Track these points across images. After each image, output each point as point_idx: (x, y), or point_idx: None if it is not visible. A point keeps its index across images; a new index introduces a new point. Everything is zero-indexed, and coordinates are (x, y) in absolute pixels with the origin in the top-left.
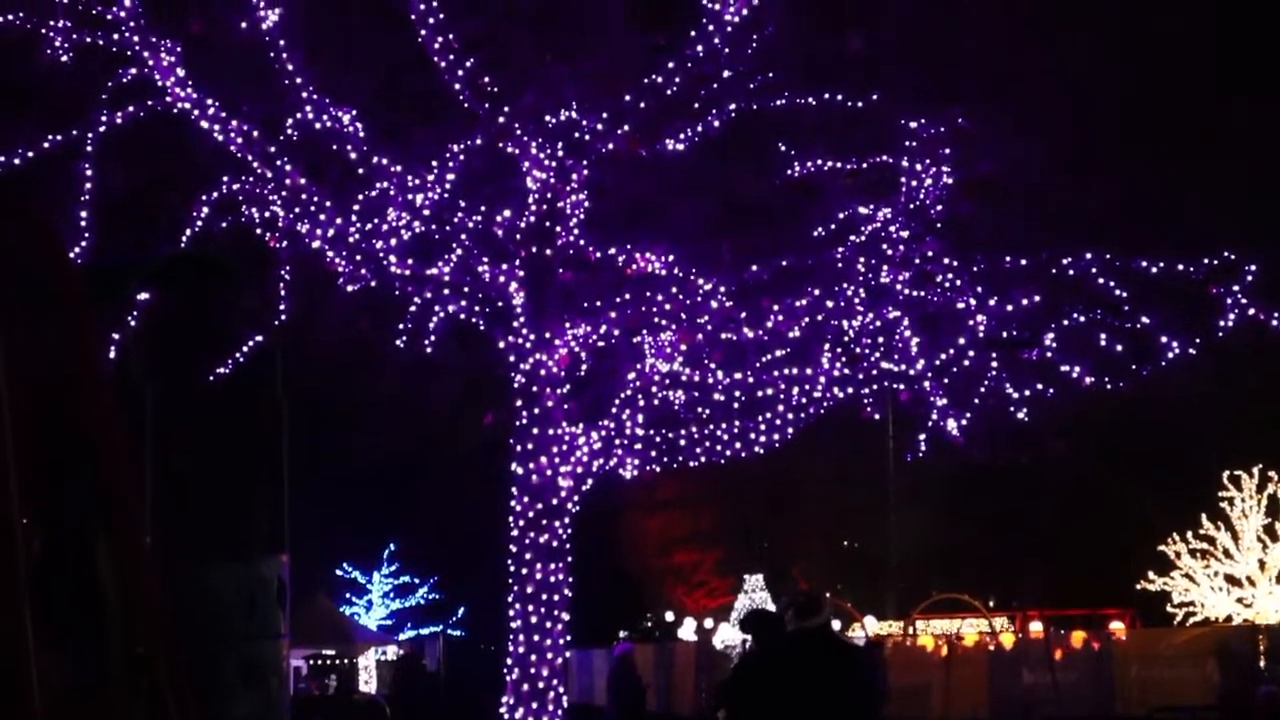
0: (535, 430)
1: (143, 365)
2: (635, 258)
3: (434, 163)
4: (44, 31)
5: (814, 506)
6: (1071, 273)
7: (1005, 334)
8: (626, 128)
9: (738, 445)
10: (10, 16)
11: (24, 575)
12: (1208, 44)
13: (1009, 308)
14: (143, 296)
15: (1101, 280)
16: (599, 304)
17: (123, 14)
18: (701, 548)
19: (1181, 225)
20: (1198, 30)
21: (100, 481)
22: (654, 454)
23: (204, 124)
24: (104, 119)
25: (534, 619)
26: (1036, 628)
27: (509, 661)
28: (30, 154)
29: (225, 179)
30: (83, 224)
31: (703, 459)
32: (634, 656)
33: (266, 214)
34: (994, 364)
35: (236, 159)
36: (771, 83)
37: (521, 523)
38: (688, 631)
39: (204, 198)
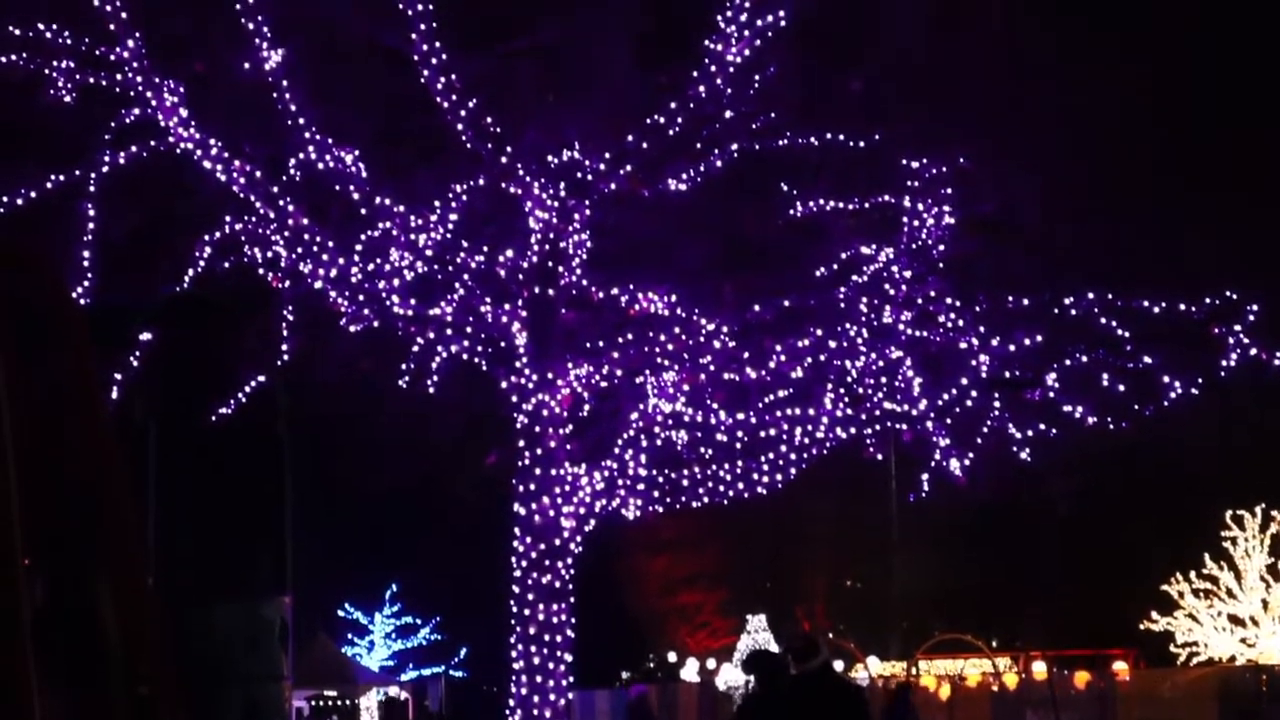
0: (538, 470)
1: (145, 406)
2: (638, 297)
3: (436, 203)
4: (47, 72)
5: (817, 547)
6: (1074, 312)
7: (1007, 374)
8: (629, 167)
9: (740, 486)
10: (14, 57)
11: (26, 616)
12: (1209, 83)
13: (1011, 348)
14: (145, 337)
15: (1104, 320)
16: (601, 344)
17: (126, 54)
18: (704, 588)
19: (1183, 265)
20: (1199, 70)
21: (102, 522)
22: (657, 494)
23: (206, 164)
24: (107, 159)
25: (536, 659)
26: (1039, 668)
27: (511, 702)
28: (33, 194)
29: (228, 219)
30: (85, 264)
31: (705, 499)
32: (650, 698)
33: (269, 254)
34: (996, 404)
35: (239, 199)
36: (773, 123)
37: (524, 563)
38: (691, 672)
39: (206, 238)
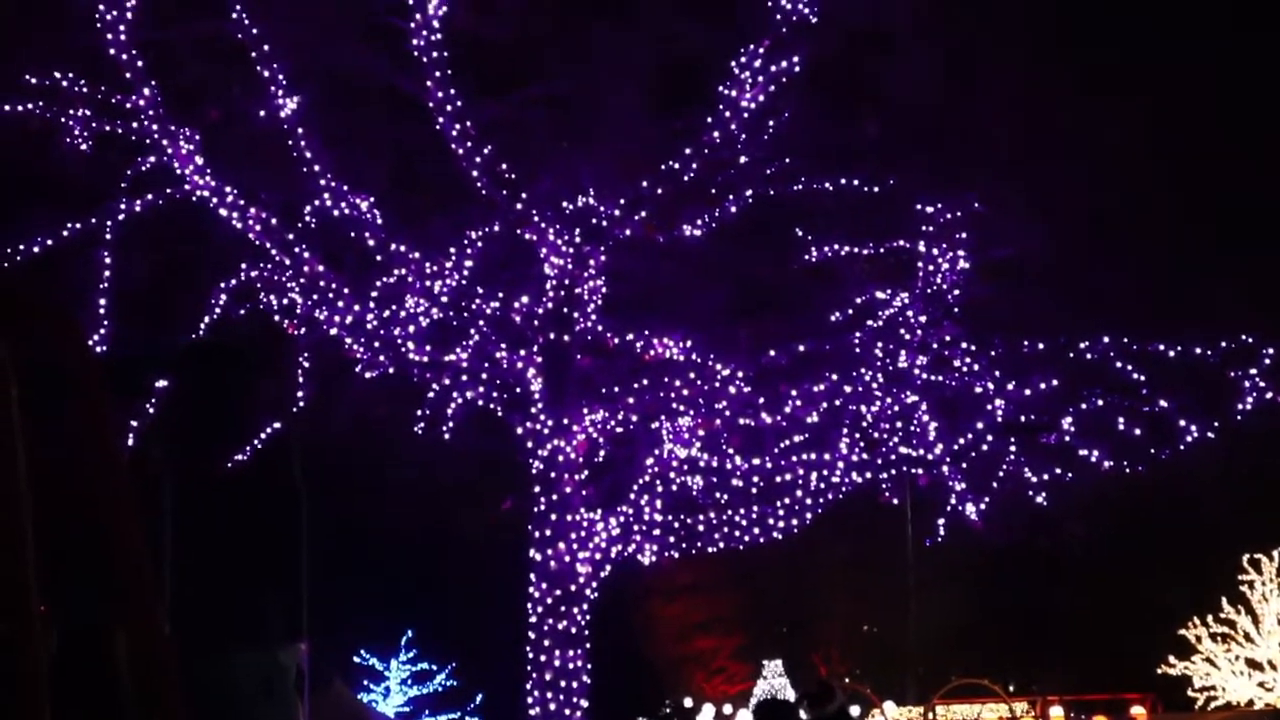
0: (553, 516)
1: (161, 454)
2: (653, 343)
3: (452, 249)
4: (64, 120)
5: (832, 591)
6: (1089, 357)
7: (1023, 418)
8: (644, 213)
9: (756, 531)
10: (31, 106)
11: (43, 665)
12: (1226, 127)
13: (1027, 392)
14: (161, 384)
15: (1119, 364)
16: (617, 390)
17: (141, 103)
18: (720, 633)
19: (1199, 309)
20: (1217, 114)
21: (118, 569)
22: (672, 540)
23: (222, 211)
24: (123, 206)
25: (552, 706)
26: (1057, 713)
27: None
28: (50, 241)
29: (243, 266)
30: (101, 311)
31: (721, 545)
32: None
33: (284, 301)
34: (1012, 448)
35: (254, 246)
36: (788, 168)
37: (540, 609)
38: (707, 718)
39: (222, 284)
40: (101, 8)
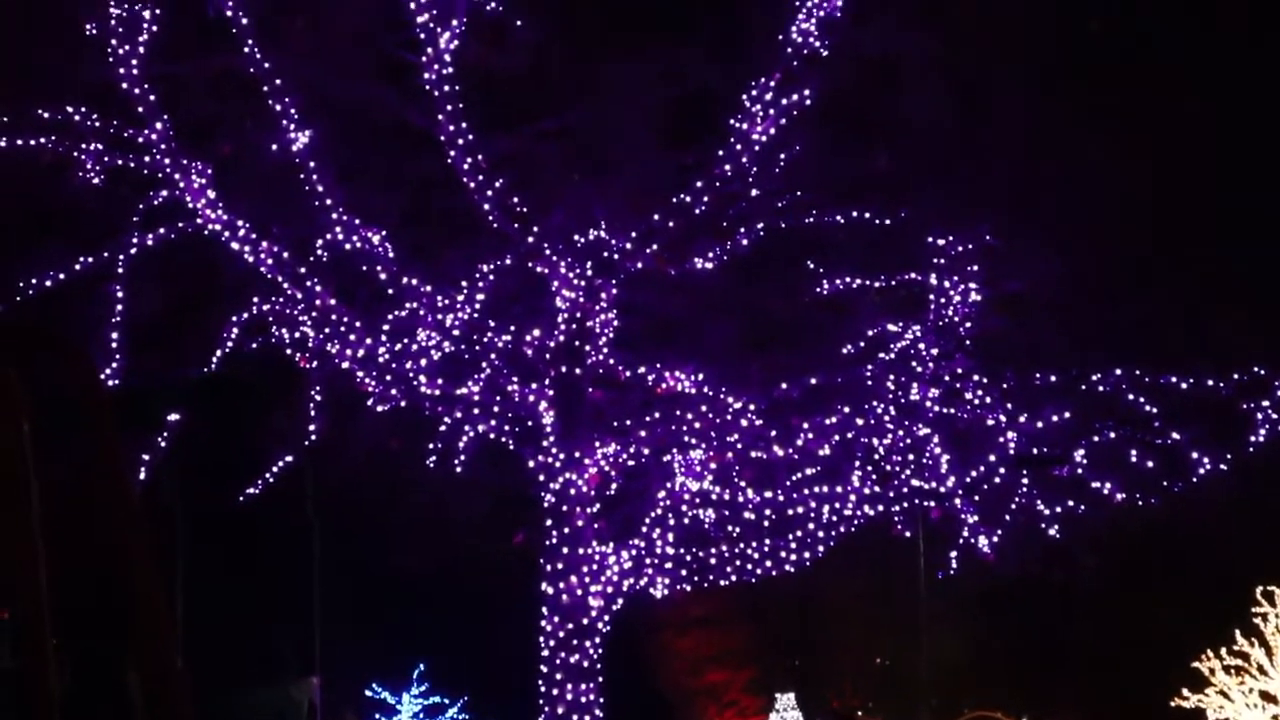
0: (565, 549)
1: (174, 487)
2: (665, 376)
3: (463, 282)
4: (76, 154)
5: (845, 624)
6: (1101, 389)
7: (1035, 450)
8: (655, 246)
9: (768, 563)
10: (43, 140)
11: (55, 698)
12: (1238, 159)
13: (1039, 424)
14: (173, 418)
15: (1132, 396)
16: (629, 423)
17: (154, 137)
18: (732, 667)
19: (1211, 341)
20: (1229, 146)
21: (131, 603)
22: (684, 573)
23: (234, 245)
24: (135, 240)
25: None
26: None
27: None
28: (62, 275)
29: (255, 299)
30: (114, 345)
31: (733, 578)
32: None
33: (296, 334)
34: (1024, 481)
35: (266, 279)
36: (799, 201)
37: (552, 643)
38: None
39: (234, 318)
40: (114, 42)
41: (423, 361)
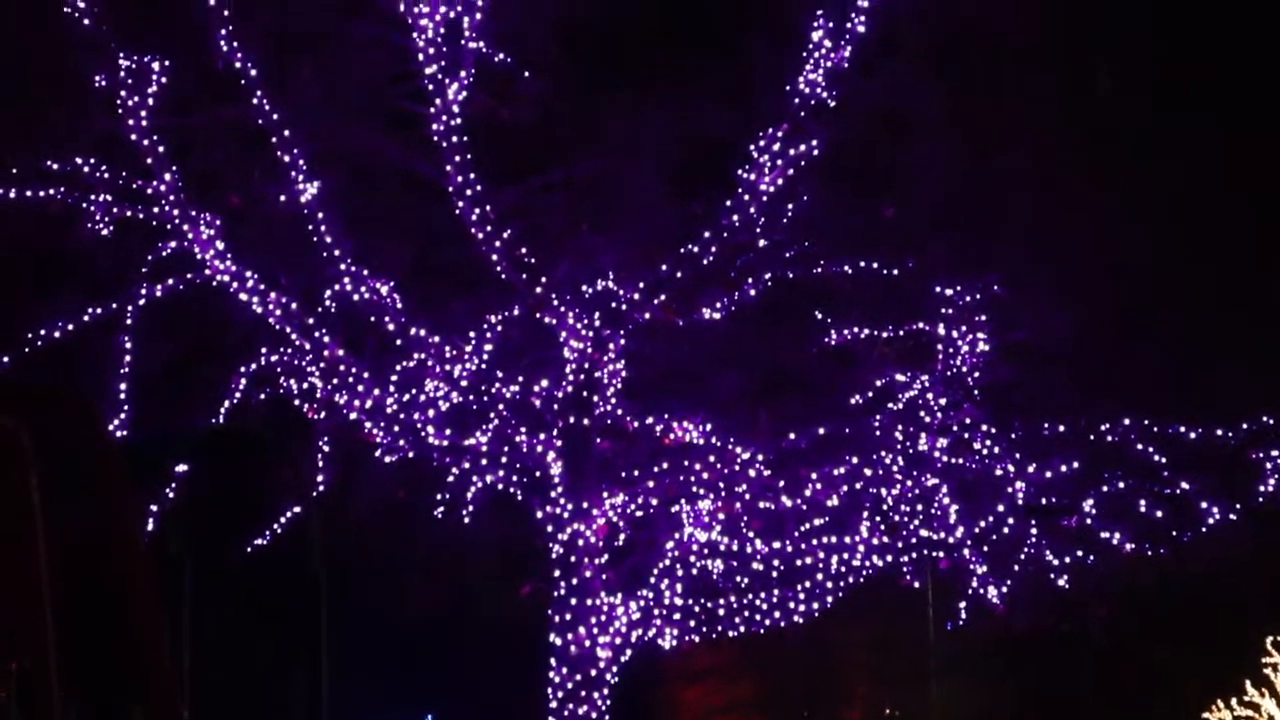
0: (573, 600)
1: (181, 538)
2: (672, 427)
3: (471, 333)
4: (84, 205)
5: (854, 675)
6: (1110, 439)
7: (1044, 501)
8: (663, 297)
9: (777, 614)
10: (52, 191)
11: None
12: (1248, 209)
13: (1048, 474)
14: (181, 469)
15: (1140, 446)
16: (637, 473)
17: (162, 188)
18: (740, 717)
19: (1219, 391)
20: (1238, 196)
21: (138, 653)
22: (693, 624)
23: (242, 296)
24: (143, 292)
25: None
26: None
27: None
28: (70, 326)
29: (263, 350)
30: (121, 396)
31: (742, 628)
32: None
33: (304, 385)
34: (1033, 531)
35: (274, 331)
36: (807, 252)
37: (561, 694)
38: None
39: (242, 369)
40: (123, 93)
41: (430, 412)
